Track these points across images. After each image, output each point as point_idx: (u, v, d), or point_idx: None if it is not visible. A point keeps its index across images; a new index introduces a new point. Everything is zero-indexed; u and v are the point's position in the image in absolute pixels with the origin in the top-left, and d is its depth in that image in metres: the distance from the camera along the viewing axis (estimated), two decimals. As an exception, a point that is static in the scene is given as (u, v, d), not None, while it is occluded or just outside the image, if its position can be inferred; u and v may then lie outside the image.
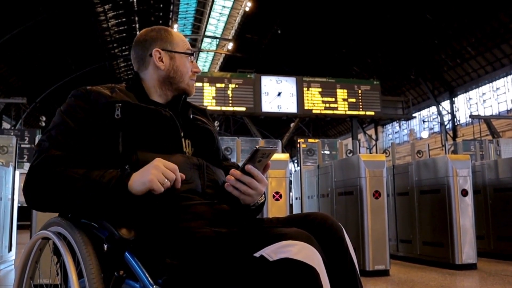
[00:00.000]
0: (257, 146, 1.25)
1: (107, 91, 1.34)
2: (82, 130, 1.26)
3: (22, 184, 1.24)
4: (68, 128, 1.26)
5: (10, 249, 5.12)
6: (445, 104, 21.00)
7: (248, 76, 16.48)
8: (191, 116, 1.42)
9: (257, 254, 0.98)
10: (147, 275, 1.09)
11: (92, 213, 1.21)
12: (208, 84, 15.91)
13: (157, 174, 1.14)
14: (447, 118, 20.84)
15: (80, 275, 1.14)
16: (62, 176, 1.18)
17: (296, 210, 6.69)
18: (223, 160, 1.52)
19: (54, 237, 1.24)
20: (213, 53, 27.62)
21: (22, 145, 12.99)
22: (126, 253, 1.13)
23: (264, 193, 1.39)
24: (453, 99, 20.72)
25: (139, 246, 1.14)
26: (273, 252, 0.97)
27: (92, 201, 1.16)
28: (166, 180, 1.15)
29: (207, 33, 25.49)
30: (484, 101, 19.36)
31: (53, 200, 1.20)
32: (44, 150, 1.24)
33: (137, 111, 1.30)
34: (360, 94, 16.94)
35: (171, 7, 22.55)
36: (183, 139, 1.36)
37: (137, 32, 23.48)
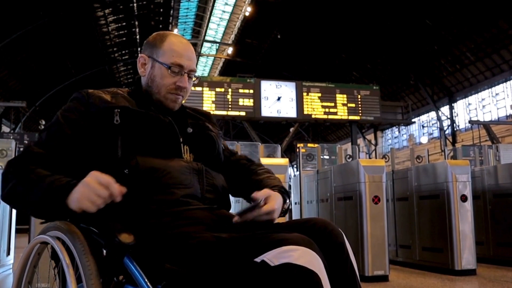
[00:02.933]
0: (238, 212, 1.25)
1: (107, 96, 1.34)
2: (73, 132, 1.27)
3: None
4: (59, 129, 1.28)
5: (8, 253, 5.09)
6: (445, 110, 21.03)
7: (248, 80, 16.50)
8: (190, 130, 1.39)
9: (258, 259, 0.98)
10: (146, 280, 1.08)
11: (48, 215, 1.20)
12: (207, 88, 15.93)
13: (86, 193, 1.09)
14: (446, 123, 20.85)
15: (78, 280, 1.13)
16: (30, 173, 1.18)
17: (295, 215, 6.67)
18: (230, 156, 1.52)
19: (52, 241, 1.23)
20: (212, 57, 27.68)
21: (21, 149, 13.02)
22: (126, 258, 1.12)
23: (288, 198, 1.37)
24: (453, 104, 20.75)
25: (138, 251, 1.13)
26: (275, 257, 0.97)
27: (37, 202, 1.15)
28: (96, 198, 1.09)
29: (207, 38, 25.54)
30: (483, 106, 19.39)
31: (16, 195, 1.20)
32: (27, 146, 1.27)
33: (136, 117, 1.30)
34: (359, 99, 16.95)
35: (171, 11, 22.60)
36: (182, 145, 1.36)
37: (137, 37, 23.77)
